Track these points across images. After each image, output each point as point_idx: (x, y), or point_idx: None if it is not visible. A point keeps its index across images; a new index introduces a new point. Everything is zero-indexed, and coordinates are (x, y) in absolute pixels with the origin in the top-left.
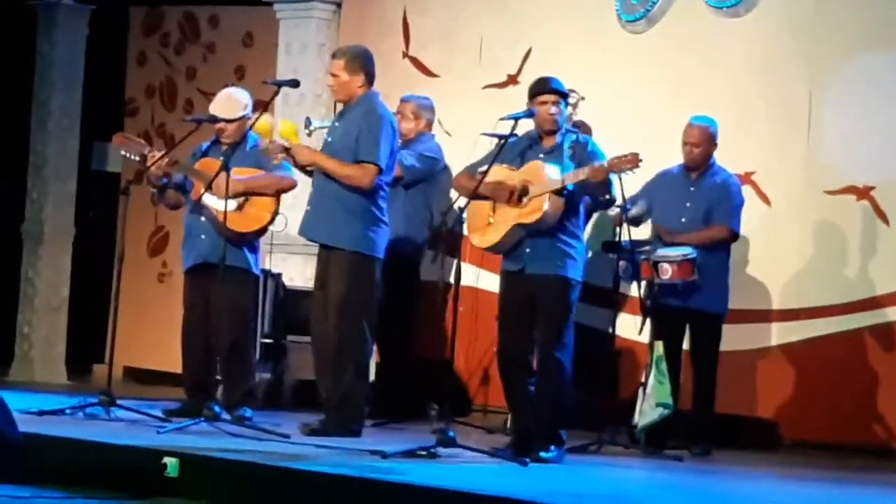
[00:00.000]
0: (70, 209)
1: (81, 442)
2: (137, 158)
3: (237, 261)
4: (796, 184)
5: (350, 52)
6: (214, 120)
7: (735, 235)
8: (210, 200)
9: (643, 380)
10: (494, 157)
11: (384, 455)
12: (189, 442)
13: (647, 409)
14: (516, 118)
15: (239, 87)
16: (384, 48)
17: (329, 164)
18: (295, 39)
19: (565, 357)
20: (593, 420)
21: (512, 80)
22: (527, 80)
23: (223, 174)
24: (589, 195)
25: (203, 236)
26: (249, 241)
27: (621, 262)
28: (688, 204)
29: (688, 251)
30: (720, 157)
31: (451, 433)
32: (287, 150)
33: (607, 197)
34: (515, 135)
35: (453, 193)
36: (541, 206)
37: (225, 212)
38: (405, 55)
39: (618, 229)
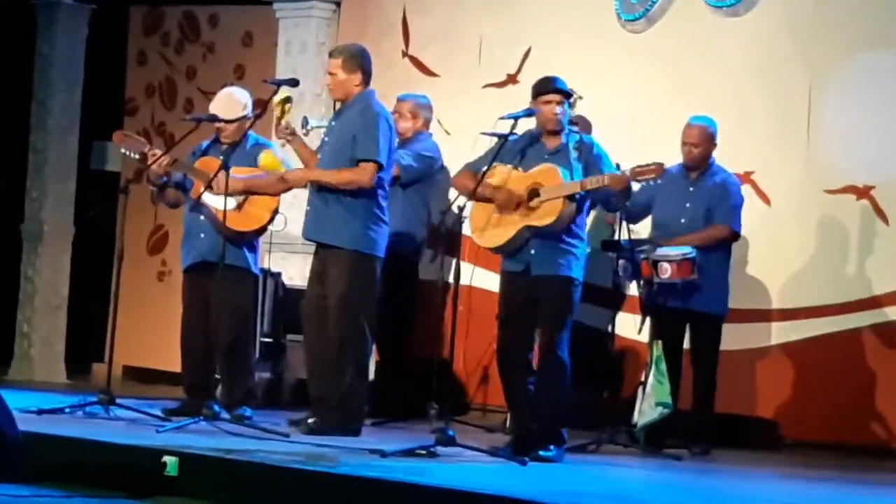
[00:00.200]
0: (70, 208)
1: (81, 441)
2: (137, 156)
3: (236, 260)
4: (796, 183)
5: (347, 51)
6: (214, 119)
7: (736, 235)
8: (210, 199)
9: (643, 379)
10: (494, 157)
11: (384, 454)
12: (188, 441)
13: (647, 409)
14: (516, 117)
15: (239, 86)
16: (384, 48)
17: (325, 177)
18: (294, 39)
19: (566, 355)
20: (593, 419)
21: (511, 79)
22: (526, 79)
23: (223, 173)
24: (601, 200)
25: (202, 235)
26: (249, 240)
27: (621, 262)
28: (687, 204)
29: (687, 250)
30: (720, 156)
31: (451, 432)
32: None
33: (627, 204)
34: (515, 134)
35: (452, 193)
36: (554, 210)
37: (224, 211)
38: (405, 54)
39: (615, 228)
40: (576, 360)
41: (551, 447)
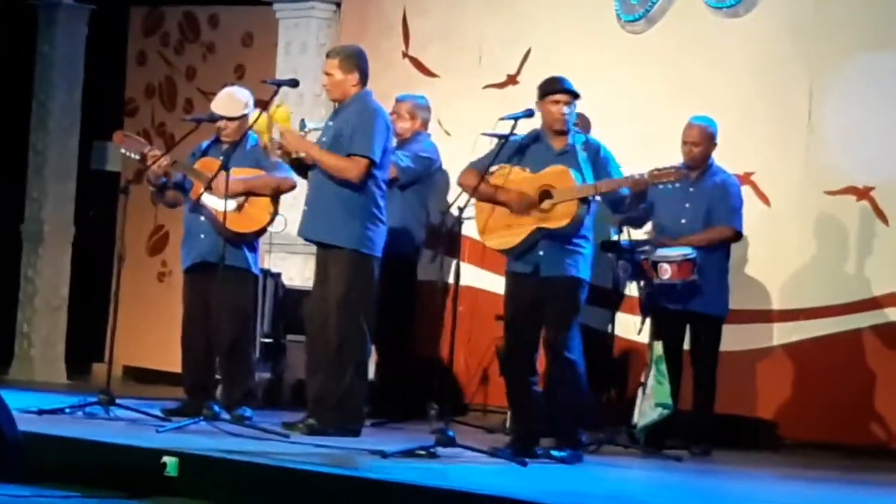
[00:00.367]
0: (70, 208)
1: (81, 441)
2: (137, 157)
3: (237, 260)
4: (796, 184)
5: (344, 51)
6: (214, 119)
7: (739, 235)
8: (209, 200)
9: (643, 380)
10: (494, 158)
11: (384, 455)
12: (188, 441)
13: (647, 410)
14: (516, 118)
15: (239, 86)
16: (384, 48)
17: (319, 153)
18: (294, 39)
19: (577, 356)
20: (593, 420)
21: (511, 80)
22: (526, 80)
23: (223, 174)
24: (611, 203)
25: (203, 236)
26: (249, 241)
27: (621, 262)
28: (687, 204)
29: (688, 251)
30: (720, 157)
31: (451, 433)
32: (282, 146)
33: (643, 206)
34: (516, 134)
35: (451, 193)
36: (569, 213)
37: (224, 211)
38: (405, 55)
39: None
40: None
41: (565, 449)
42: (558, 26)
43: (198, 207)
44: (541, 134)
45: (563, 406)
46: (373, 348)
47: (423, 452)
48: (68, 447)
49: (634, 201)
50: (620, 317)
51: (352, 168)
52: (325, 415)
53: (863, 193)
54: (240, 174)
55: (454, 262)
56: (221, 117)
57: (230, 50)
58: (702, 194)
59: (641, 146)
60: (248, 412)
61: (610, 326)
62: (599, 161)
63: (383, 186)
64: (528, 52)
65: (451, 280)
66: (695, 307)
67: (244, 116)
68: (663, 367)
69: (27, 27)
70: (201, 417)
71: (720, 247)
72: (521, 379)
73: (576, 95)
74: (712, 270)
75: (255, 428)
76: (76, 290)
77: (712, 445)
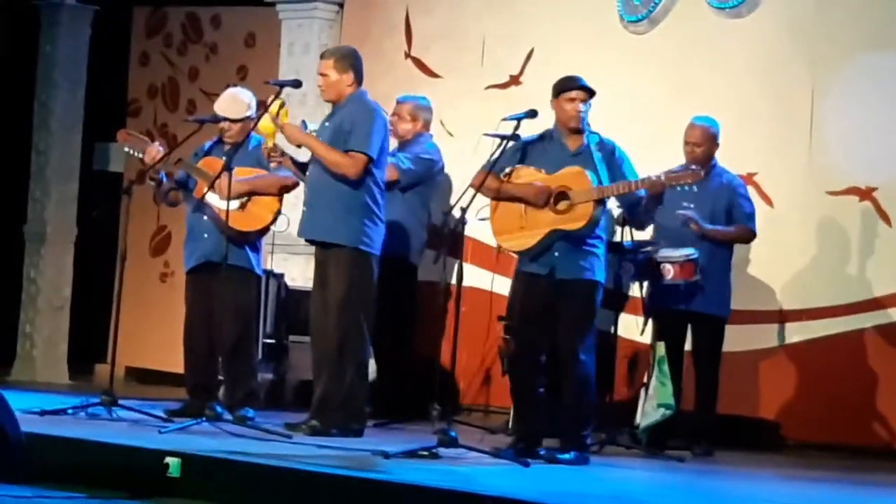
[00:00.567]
0: (72, 209)
1: (83, 442)
2: (141, 155)
3: (239, 260)
4: (798, 185)
5: (339, 52)
6: (217, 119)
7: (754, 236)
8: (213, 199)
9: (645, 381)
10: (495, 159)
11: (386, 455)
12: (191, 442)
13: (650, 410)
14: (518, 118)
15: (241, 87)
16: (386, 48)
17: (319, 146)
18: (297, 40)
19: (590, 359)
20: (595, 420)
21: (514, 80)
22: (529, 80)
23: (226, 174)
24: (627, 205)
25: (206, 235)
26: (252, 240)
27: (623, 263)
28: (690, 204)
29: (690, 252)
30: (722, 157)
31: (453, 433)
32: (283, 153)
33: (660, 208)
34: (518, 135)
35: (453, 194)
36: (586, 214)
37: (227, 211)
38: (407, 55)
39: (619, 229)
40: None
41: (571, 451)
42: (561, 27)
43: (201, 207)
44: (554, 133)
45: (572, 408)
46: (371, 349)
47: (425, 453)
48: (71, 448)
49: (651, 203)
50: (623, 318)
51: (350, 164)
52: (328, 415)
53: (865, 194)
54: (243, 174)
55: (456, 263)
56: (224, 119)
57: (233, 50)
58: (706, 195)
59: (643, 146)
60: (250, 413)
61: (612, 327)
62: (614, 161)
63: (381, 185)
64: (531, 52)
65: (453, 281)
66: (697, 307)
67: (247, 118)
68: (666, 367)
69: (30, 27)
70: (204, 418)
71: (724, 247)
72: (527, 379)
73: (591, 93)
74: (715, 270)
75: (257, 429)
76: (79, 290)
77: (714, 446)
